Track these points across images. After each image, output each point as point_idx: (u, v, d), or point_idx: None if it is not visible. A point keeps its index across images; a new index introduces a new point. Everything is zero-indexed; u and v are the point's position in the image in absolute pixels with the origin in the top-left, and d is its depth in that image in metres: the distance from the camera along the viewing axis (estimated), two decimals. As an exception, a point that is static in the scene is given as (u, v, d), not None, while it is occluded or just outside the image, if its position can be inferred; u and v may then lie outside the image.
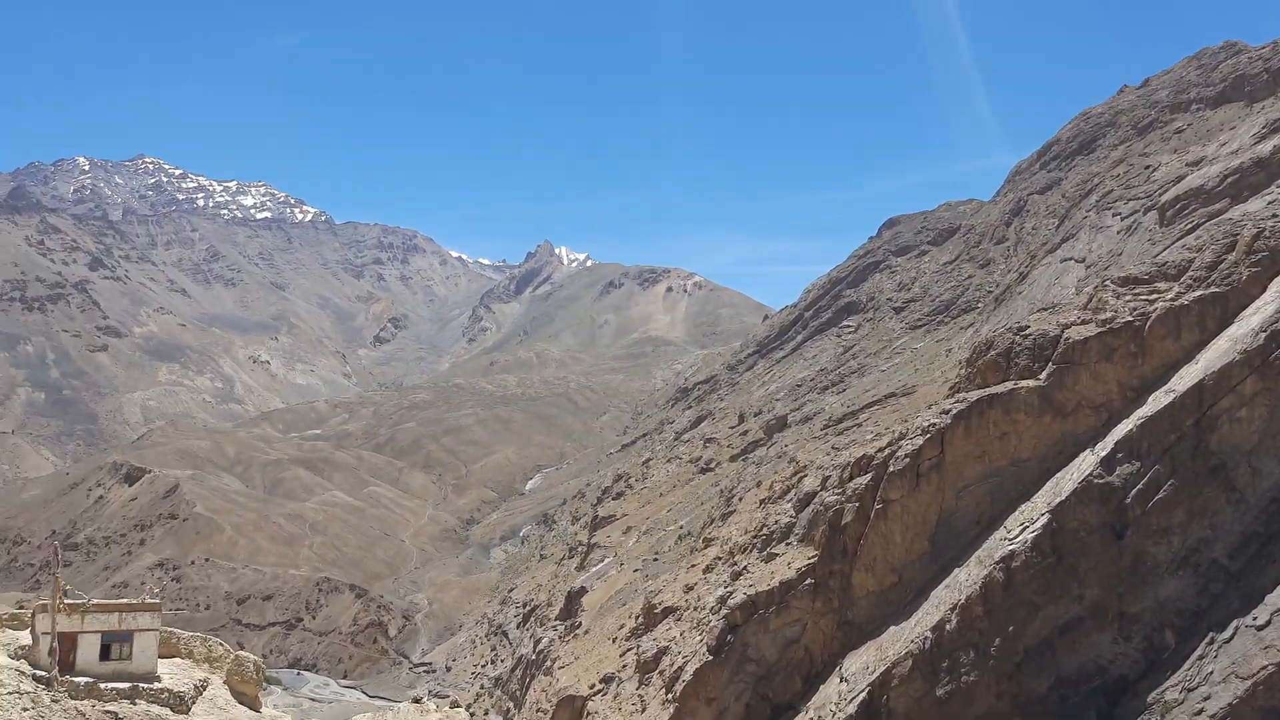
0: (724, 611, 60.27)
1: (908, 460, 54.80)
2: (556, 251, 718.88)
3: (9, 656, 31.78)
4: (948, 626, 47.64)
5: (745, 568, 65.88)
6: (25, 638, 34.55)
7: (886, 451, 57.51)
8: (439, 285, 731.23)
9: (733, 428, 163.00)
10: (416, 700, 40.01)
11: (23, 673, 29.56)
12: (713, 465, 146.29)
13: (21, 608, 46.91)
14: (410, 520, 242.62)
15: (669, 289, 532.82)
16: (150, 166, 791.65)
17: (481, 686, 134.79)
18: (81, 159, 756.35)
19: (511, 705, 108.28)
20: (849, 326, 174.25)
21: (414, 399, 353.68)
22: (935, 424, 55.23)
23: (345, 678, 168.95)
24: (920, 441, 54.90)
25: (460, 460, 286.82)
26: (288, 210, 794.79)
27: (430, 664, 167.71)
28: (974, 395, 55.41)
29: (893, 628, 52.36)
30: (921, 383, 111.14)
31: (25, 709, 26.11)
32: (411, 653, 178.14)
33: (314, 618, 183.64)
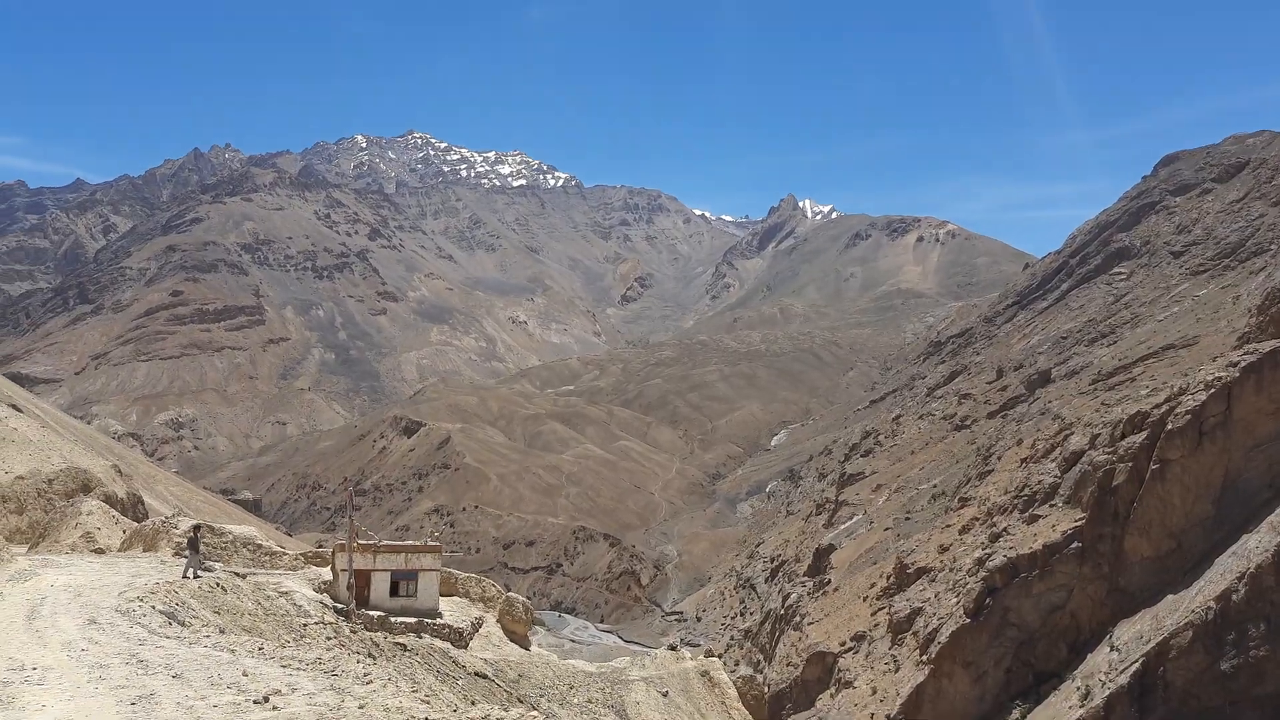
0: (982, 574, 58.19)
1: (1189, 417, 50.56)
2: (800, 205, 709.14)
3: (314, 590, 35.49)
4: (1234, 596, 43.83)
5: (1005, 529, 63.20)
6: (326, 574, 38.47)
7: (1165, 408, 53.29)
8: (683, 244, 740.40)
9: (990, 383, 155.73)
10: (672, 648, 41.27)
11: (326, 605, 33.00)
12: (968, 422, 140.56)
13: (321, 546, 52.38)
14: (659, 473, 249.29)
15: (919, 239, 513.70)
16: (419, 141, 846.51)
17: (731, 638, 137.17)
18: (360, 137, 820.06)
19: (761, 657, 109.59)
20: (1120, 273, 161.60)
21: (660, 356, 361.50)
22: (1221, 378, 50.58)
23: (602, 622, 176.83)
24: (1204, 397, 50.47)
25: (705, 416, 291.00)
26: (541, 177, 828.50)
27: (681, 613, 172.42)
28: (1267, 346, 50.21)
29: (1170, 596, 48.76)
30: (1204, 333, 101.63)
31: (329, 638, 29.02)
32: (663, 601, 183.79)
33: (572, 564, 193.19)
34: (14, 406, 71.72)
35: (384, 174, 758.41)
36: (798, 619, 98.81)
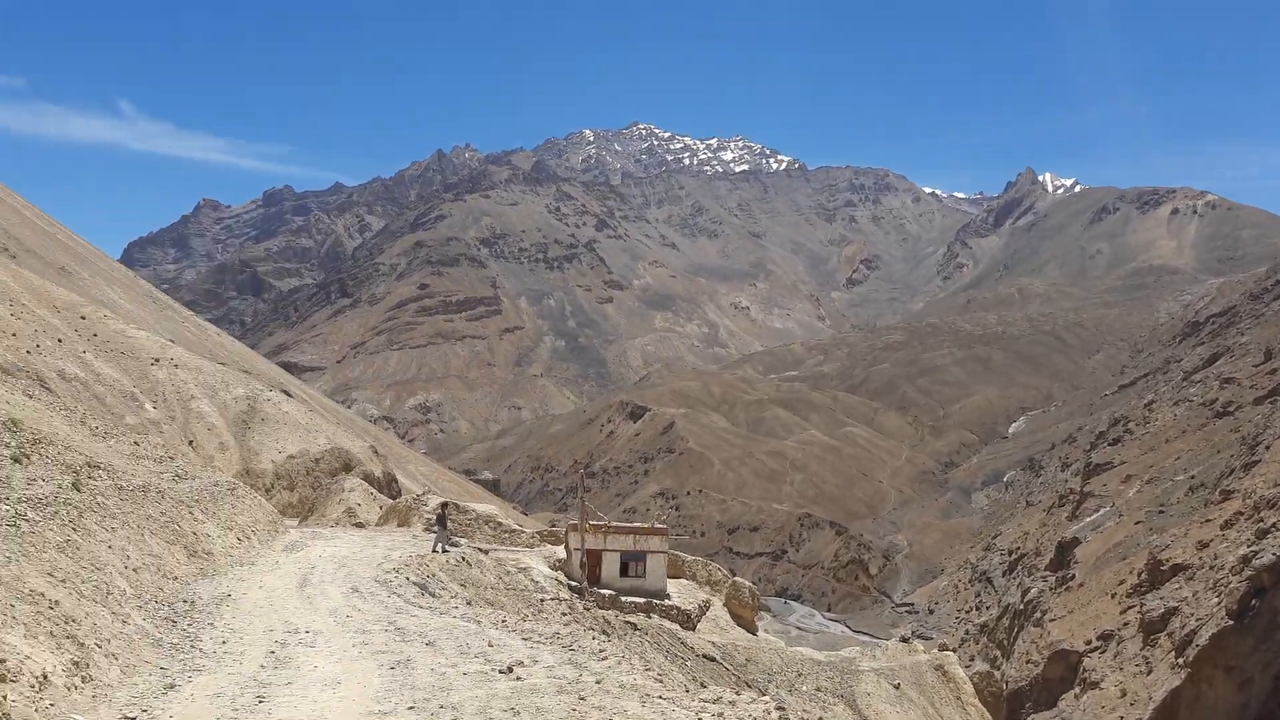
0: (1248, 573, 53.20)
1: None
2: (1039, 179, 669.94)
3: (549, 567, 37.01)
4: None
5: (1274, 525, 57.48)
6: (560, 552, 40.02)
7: None
8: (911, 223, 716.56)
9: (1257, 366, 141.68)
10: (904, 640, 40.20)
11: (560, 582, 34.35)
12: (1231, 408, 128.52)
13: (554, 526, 54.54)
14: (887, 461, 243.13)
15: (1174, 211, 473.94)
16: (643, 132, 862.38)
17: (966, 632, 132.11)
18: (587, 131, 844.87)
19: (999, 654, 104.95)
20: None
21: (888, 340, 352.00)
22: None
23: (829, 611, 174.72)
24: None
25: (936, 401, 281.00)
26: (763, 161, 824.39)
27: (912, 605, 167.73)
28: None
29: None
30: None
31: (564, 614, 30.18)
32: (893, 592, 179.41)
33: (797, 551, 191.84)
34: (286, 392, 78.82)
35: (610, 166, 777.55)
36: (1038, 615, 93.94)
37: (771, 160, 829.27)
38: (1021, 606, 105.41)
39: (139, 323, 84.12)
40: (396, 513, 42.45)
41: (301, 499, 52.22)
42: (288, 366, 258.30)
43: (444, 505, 37.19)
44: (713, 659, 31.55)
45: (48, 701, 10.30)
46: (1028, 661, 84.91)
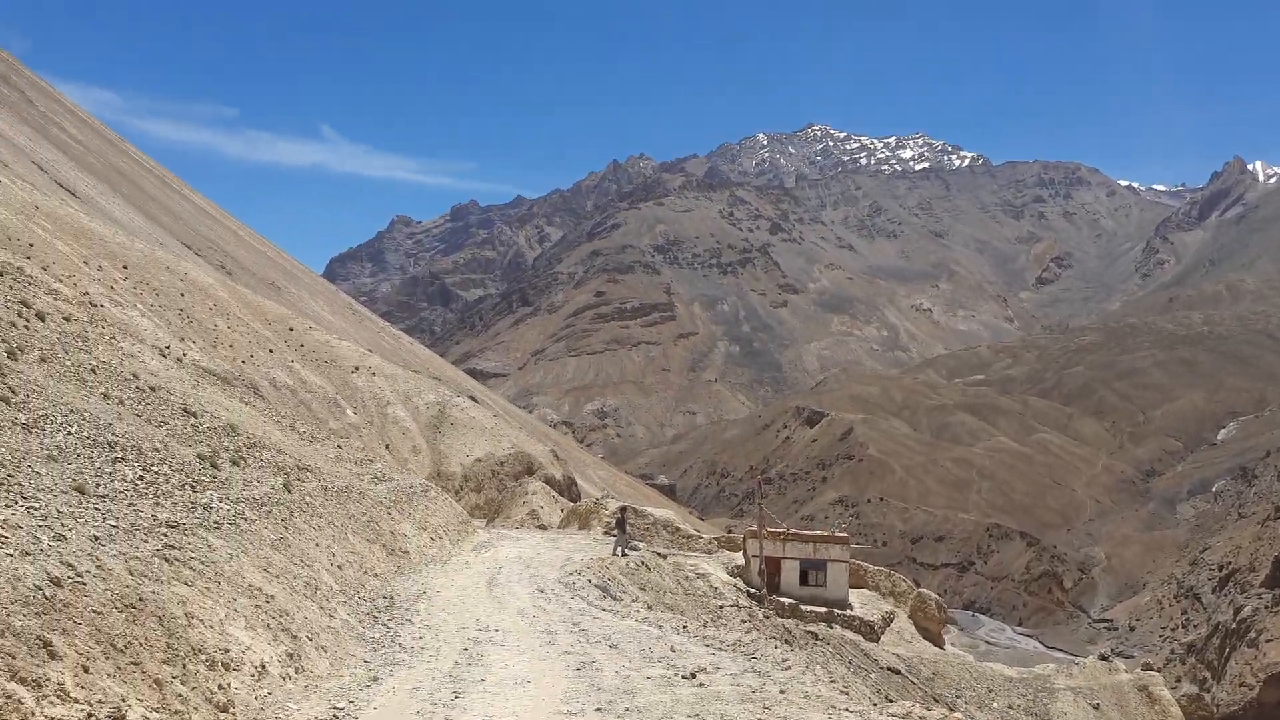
0: None
1: None
2: (1249, 168, 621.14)
3: (727, 574, 36.94)
4: None
5: None
6: (738, 558, 39.87)
7: None
8: (1106, 219, 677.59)
9: None
10: (1103, 658, 38.02)
11: (739, 589, 34.24)
12: None
13: (729, 532, 54.51)
14: (1082, 469, 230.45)
15: None
16: (818, 134, 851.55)
17: (1171, 651, 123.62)
18: (760, 135, 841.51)
19: (1208, 675, 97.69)
20: None
21: (1082, 341, 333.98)
22: None
23: (1020, 625, 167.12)
24: None
25: (1136, 406, 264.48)
26: (944, 158, 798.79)
27: (1111, 621, 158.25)
28: None
29: None
30: None
31: (744, 621, 30.05)
32: (1089, 607, 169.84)
33: (985, 562, 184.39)
34: (472, 398, 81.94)
35: (784, 169, 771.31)
36: (1253, 635, 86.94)
37: (954, 157, 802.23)
38: (1234, 625, 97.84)
39: (340, 333, 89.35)
40: (577, 515, 43.39)
41: (488, 501, 54.11)
42: (473, 373, 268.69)
43: (623, 509, 37.72)
44: (898, 672, 30.71)
45: (265, 690, 11.03)
46: (1241, 684, 78.77)
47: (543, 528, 42.68)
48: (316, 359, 60.77)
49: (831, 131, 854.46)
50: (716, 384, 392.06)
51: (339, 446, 34.30)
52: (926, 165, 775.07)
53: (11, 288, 27.02)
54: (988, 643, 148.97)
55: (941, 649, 39.81)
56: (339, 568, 18.14)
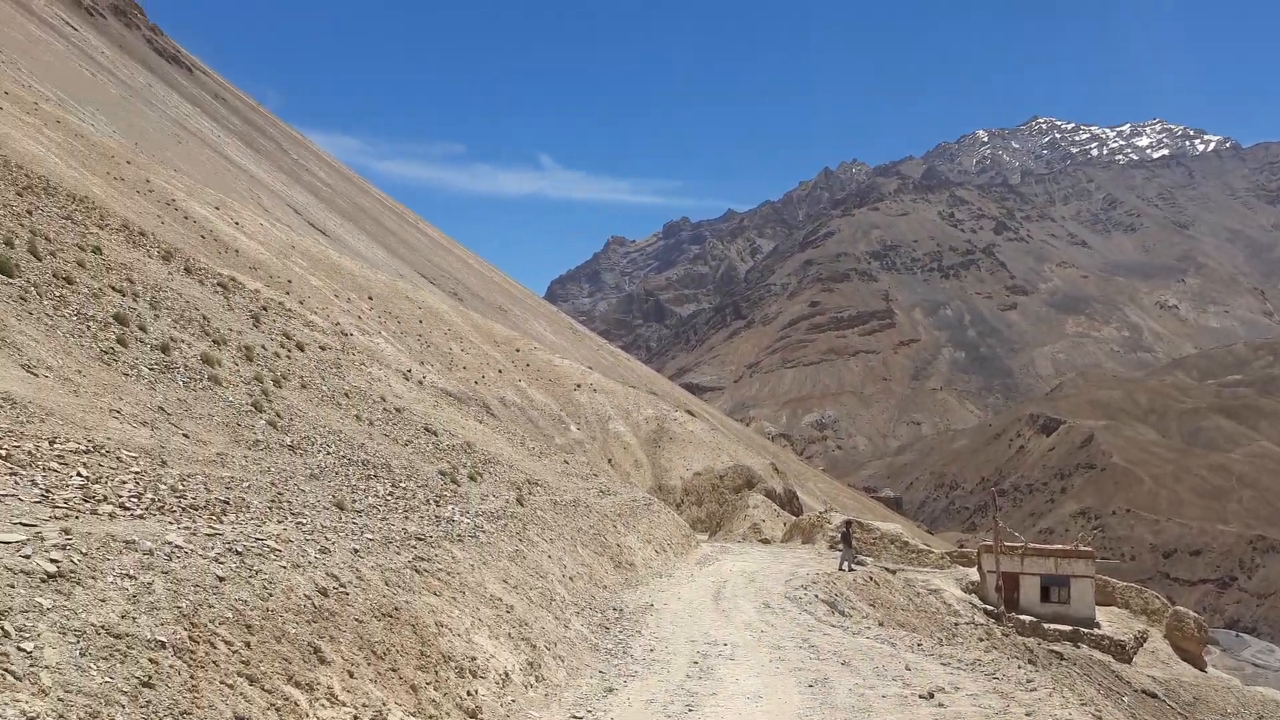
0: None
1: None
2: None
3: (962, 590, 35.46)
4: None
5: None
6: (973, 574, 38.19)
7: None
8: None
9: None
10: (1402, 690, 33.87)
11: (975, 605, 32.79)
12: None
13: (963, 546, 52.32)
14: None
15: None
16: (1043, 127, 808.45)
17: None
18: (980, 133, 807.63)
19: None
20: None
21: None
22: None
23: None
24: None
25: None
26: (1186, 144, 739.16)
27: None
28: None
29: None
30: None
31: (981, 639, 28.77)
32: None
33: (1249, 578, 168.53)
34: (689, 412, 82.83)
35: (1008, 165, 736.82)
36: None
37: (1196, 142, 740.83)
38: None
39: (562, 352, 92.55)
40: (800, 529, 42.90)
41: (709, 514, 54.42)
42: (690, 387, 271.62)
43: (847, 523, 37.01)
44: (1154, 695, 28.46)
45: (510, 698, 11.51)
46: None
47: (765, 541, 42.49)
48: (541, 378, 63.23)
49: (1058, 123, 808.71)
50: (942, 392, 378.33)
51: (565, 461, 35.48)
52: (1166, 152, 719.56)
53: (275, 321, 29.69)
54: (1255, 665, 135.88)
55: (1203, 671, 36.60)
56: (570, 579, 18.71)
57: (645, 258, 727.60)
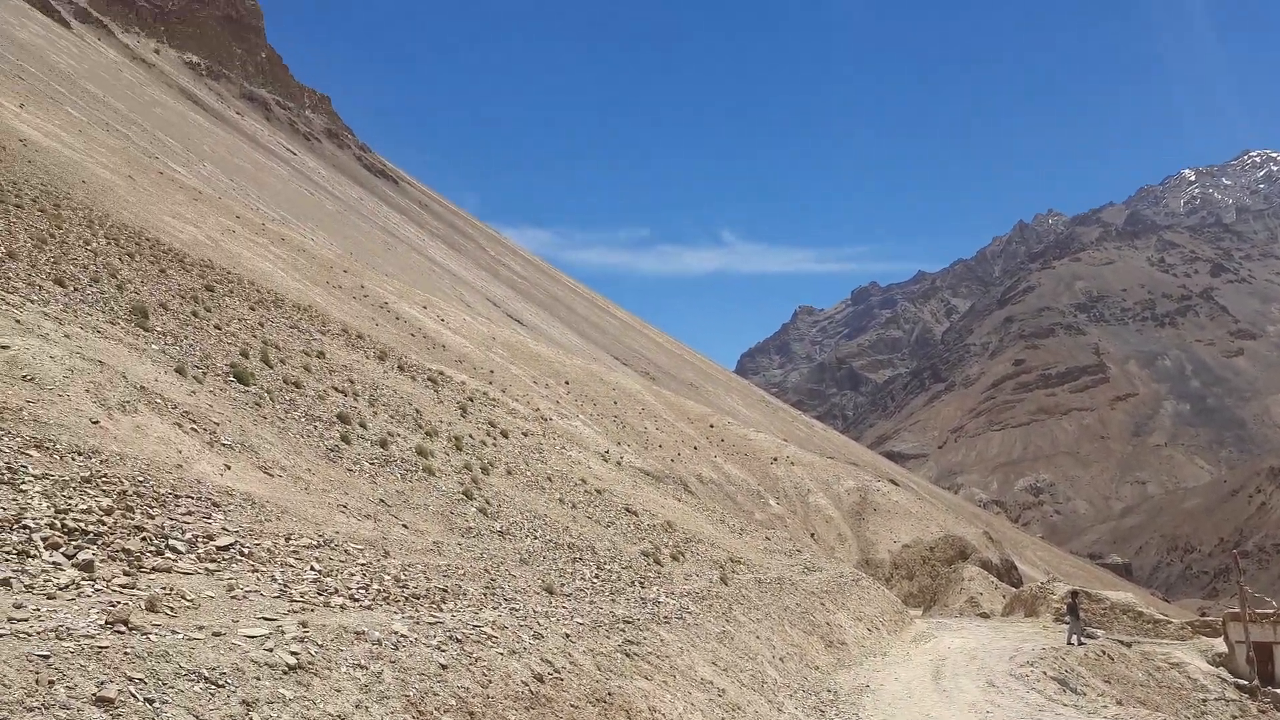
0: None
1: None
2: None
3: (1207, 663, 32.40)
4: None
5: None
6: (1218, 645, 34.86)
7: None
8: None
9: None
10: None
11: (1224, 680, 29.84)
12: None
13: (1203, 615, 47.87)
14: None
15: None
16: (1257, 160, 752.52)
17: None
18: (1186, 172, 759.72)
19: None
20: None
21: None
22: None
23: None
24: None
25: None
26: None
27: None
28: None
29: None
30: None
31: (1234, 716, 26.23)
32: None
33: None
34: (893, 482, 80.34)
35: (1220, 204, 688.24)
36: None
37: None
38: None
39: (756, 426, 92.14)
40: (1021, 602, 40.52)
41: (921, 588, 52.27)
42: (890, 455, 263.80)
43: (1074, 593, 34.68)
44: None
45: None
46: None
47: (984, 616, 40.36)
48: (737, 453, 63.03)
49: (1273, 154, 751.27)
50: (1167, 448, 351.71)
51: (767, 538, 35.04)
52: None
53: (481, 411, 31.03)
54: None
55: None
56: (780, 660, 18.30)
57: (835, 325, 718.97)
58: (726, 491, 55.03)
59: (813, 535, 56.72)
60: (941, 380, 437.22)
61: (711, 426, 67.55)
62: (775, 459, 64.12)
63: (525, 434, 31.05)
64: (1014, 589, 45.80)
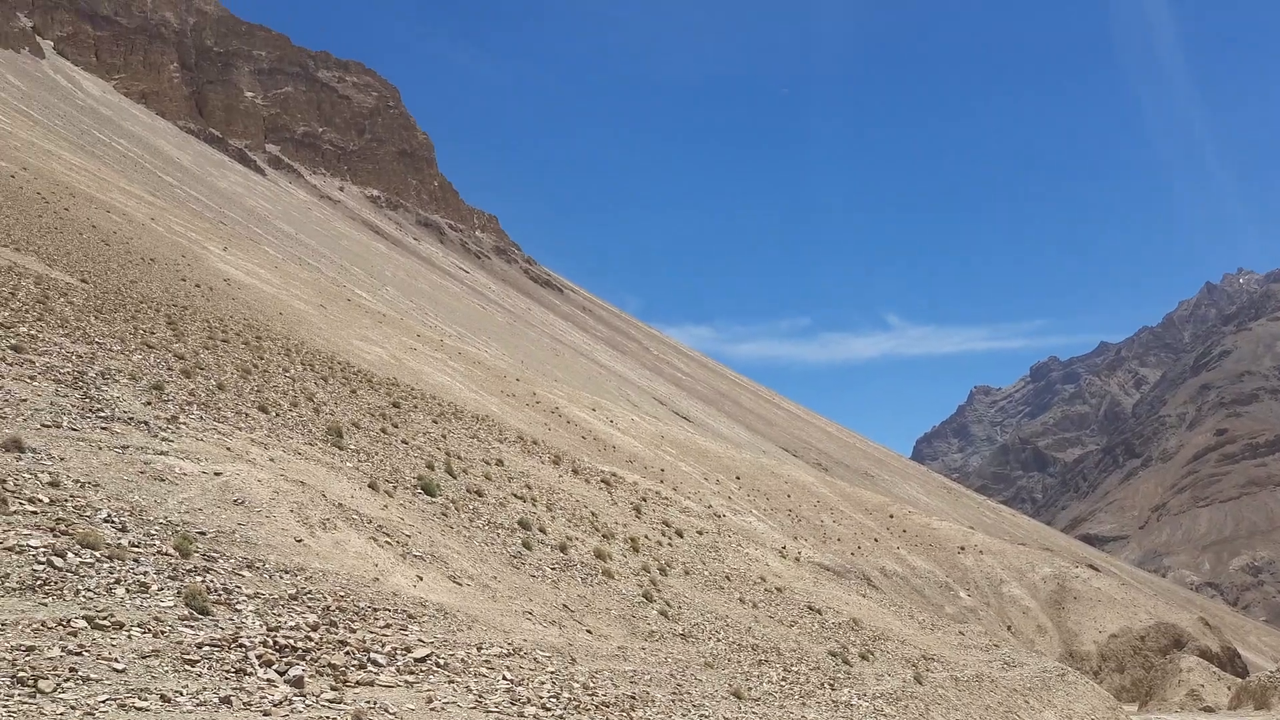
0: None
1: None
2: None
3: None
4: None
5: None
6: None
7: None
8: None
9: None
10: None
11: None
12: None
13: None
14: None
15: None
16: None
17: None
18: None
19: None
20: None
21: None
22: None
23: None
24: None
25: None
26: None
27: None
28: None
29: None
30: None
31: None
32: None
33: None
34: (1093, 567, 75.36)
35: None
36: None
37: None
38: None
39: (938, 514, 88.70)
40: (1250, 693, 36.94)
41: (1134, 681, 48.49)
42: (1087, 539, 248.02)
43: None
44: None
45: None
46: None
47: (1208, 710, 36.99)
48: (920, 543, 60.71)
49: None
50: None
51: (960, 632, 33.34)
52: None
53: (654, 510, 31.15)
54: None
55: None
56: (986, 765, 17.23)
57: (1014, 404, 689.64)
58: (913, 584, 52.89)
59: (1009, 628, 53.60)
60: (1136, 456, 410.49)
61: (891, 516, 65.44)
62: (963, 548, 61.35)
63: (700, 532, 30.91)
64: (1239, 679, 41.86)
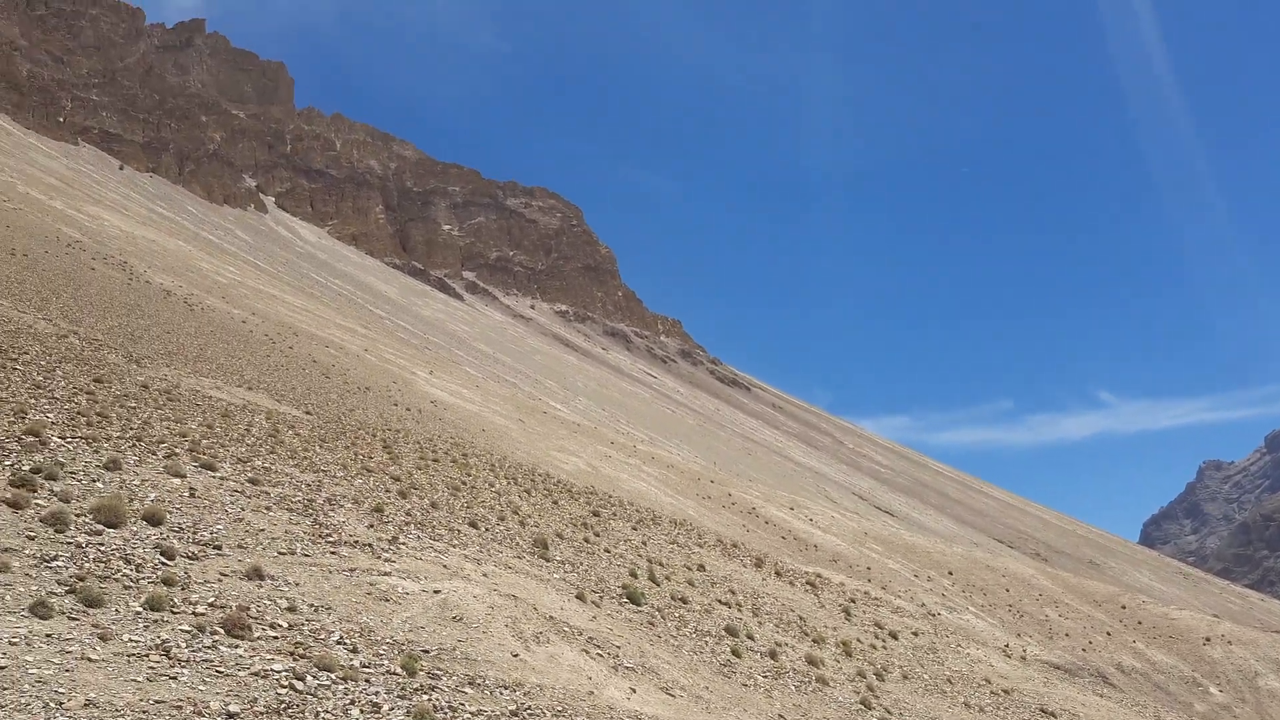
0: None
1: None
2: None
3: None
4: None
5: None
6: None
7: None
8: None
9: None
10: None
11: None
12: None
13: None
14: None
15: None
16: None
17: None
18: None
19: None
20: None
21: None
22: None
23: None
24: None
25: None
26: None
27: None
28: None
29: None
30: None
31: None
32: None
33: None
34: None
35: None
36: None
37: None
38: None
39: (1176, 602, 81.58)
40: None
41: None
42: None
43: None
44: None
45: None
46: None
47: None
48: (1159, 635, 55.80)
49: None
50: None
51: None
52: None
53: (864, 612, 30.08)
54: None
55: None
56: None
57: (1251, 479, 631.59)
58: (1154, 681, 48.45)
59: (1271, 728, 48.05)
60: None
61: (1123, 607, 60.56)
62: (1208, 639, 55.88)
63: (915, 633, 29.54)
64: None
